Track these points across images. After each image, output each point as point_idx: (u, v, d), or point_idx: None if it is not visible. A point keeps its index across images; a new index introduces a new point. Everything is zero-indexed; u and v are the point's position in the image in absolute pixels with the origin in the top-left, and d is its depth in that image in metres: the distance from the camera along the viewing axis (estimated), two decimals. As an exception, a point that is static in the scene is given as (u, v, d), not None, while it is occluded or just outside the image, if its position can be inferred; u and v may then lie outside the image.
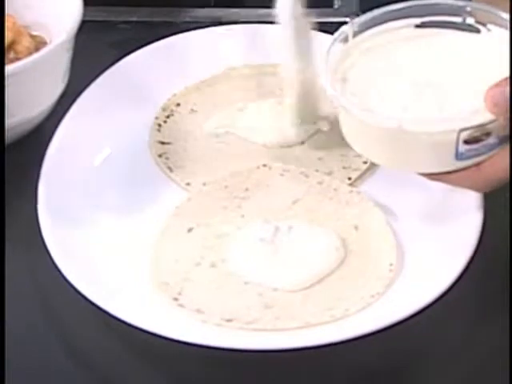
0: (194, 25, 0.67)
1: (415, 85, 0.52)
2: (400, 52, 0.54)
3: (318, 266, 0.54)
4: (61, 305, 0.54)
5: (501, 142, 0.51)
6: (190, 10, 0.71)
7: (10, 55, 0.61)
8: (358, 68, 0.54)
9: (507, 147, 0.51)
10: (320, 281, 0.54)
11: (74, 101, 0.62)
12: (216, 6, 0.71)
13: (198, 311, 0.53)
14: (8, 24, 0.61)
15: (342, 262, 0.55)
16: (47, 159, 0.59)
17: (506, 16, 0.53)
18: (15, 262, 0.56)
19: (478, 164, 0.51)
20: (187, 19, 0.70)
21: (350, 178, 0.59)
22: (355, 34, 0.54)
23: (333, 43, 0.54)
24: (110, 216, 0.58)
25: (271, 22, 0.67)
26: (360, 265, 0.55)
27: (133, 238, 0.57)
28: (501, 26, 0.53)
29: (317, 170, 0.60)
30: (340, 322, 0.52)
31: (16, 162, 0.60)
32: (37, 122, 0.61)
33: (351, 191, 0.59)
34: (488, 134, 0.50)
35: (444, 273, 0.53)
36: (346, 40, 0.54)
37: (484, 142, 0.51)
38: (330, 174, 0.59)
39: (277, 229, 0.56)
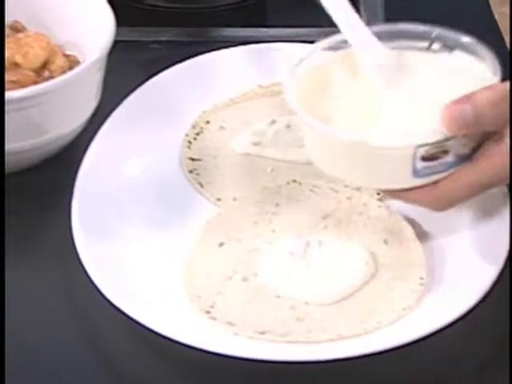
0: (223, 44, 0.69)
1: (375, 101, 0.52)
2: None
3: (349, 280, 0.55)
4: (95, 317, 0.55)
5: (460, 160, 0.51)
6: (219, 29, 0.73)
7: (45, 74, 0.62)
8: None
9: (467, 166, 0.51)
10: (351, 294, 0.55)
11: (106, 118, 0.63)
12: (244, 26, 0.73)
13: (231, 324, 0.54)
14: (42, 44, 0.63)
15: (373, 275, 0.56)
16: (80, 175, 0.60)
17: (471, 41, 0.54)
18: (51, 276, 0.57)
19: (435, 182, 0.51)
20: (216, 39, 0.72)
21: (378, 194, 0.60)
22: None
23: (299, 63, 0.55)
24: (143, 231, 0.59)
25: (299, 41, 0.69)
26: (390, 278, 0.56)
27: (165, 252, 0.58)
28: (467, 51, 0.54)
29: (346, 186, 0.61)
30: (372, 335, 0.53)
31: (50, 178, 0.62)
32: (70, 138, 0.63)
33: (380, 206, 0.60)
34: (446, 152, 0.50)
35: (474, 286, 0.54)
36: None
37: (441, 160, 0.51)
38: (358, 189, 0.60)
39: (307, 244, 0.57)
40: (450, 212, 0.58)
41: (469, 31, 0.55)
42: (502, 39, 0.72)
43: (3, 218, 0.55)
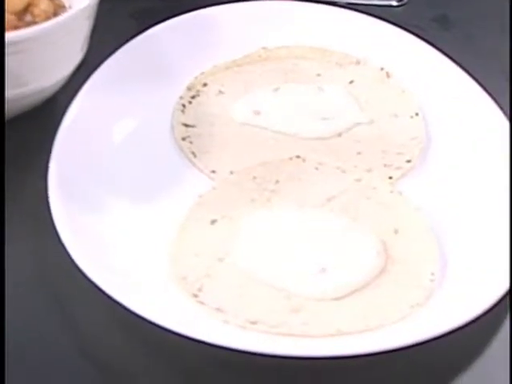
0: (227, -2, 0.69)
1: None
2: None
3: (357, 272, 0.55)
4: (71, 294, 0.56)
5: None
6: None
7: (27, 18, 0.62)
8: None
9: None
10: (357, 289, 0.55)
11: (92, 73, 0.63)
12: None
13: (220, 310, 0.54)
14: (25, -16, 0.63)
15: (382, 268, 0.56)
16: (60, 136, 0.60)
17: None
18: (23, 245, 0.57)
19: None
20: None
21: (391, 177, 0.61)
22: None
23: None
24: (127, 201, 0.59)
25: (313, 1, 0.69)
26: (399, 272, 0.56)
27: (151, 226, 0.58)
28: None
29: (355, 166, 0.61)
30: (375, 333, 0.53)
31: (26, 136, 0.62)
32: (50, 93, 0.63)
33: (392, 191, 0.60)
34: None
35: (491, 286, 0.55)
36: None
37: None
38: (369, 171, 0.61)
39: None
40: (469, 204, 0.60)
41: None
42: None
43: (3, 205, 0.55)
